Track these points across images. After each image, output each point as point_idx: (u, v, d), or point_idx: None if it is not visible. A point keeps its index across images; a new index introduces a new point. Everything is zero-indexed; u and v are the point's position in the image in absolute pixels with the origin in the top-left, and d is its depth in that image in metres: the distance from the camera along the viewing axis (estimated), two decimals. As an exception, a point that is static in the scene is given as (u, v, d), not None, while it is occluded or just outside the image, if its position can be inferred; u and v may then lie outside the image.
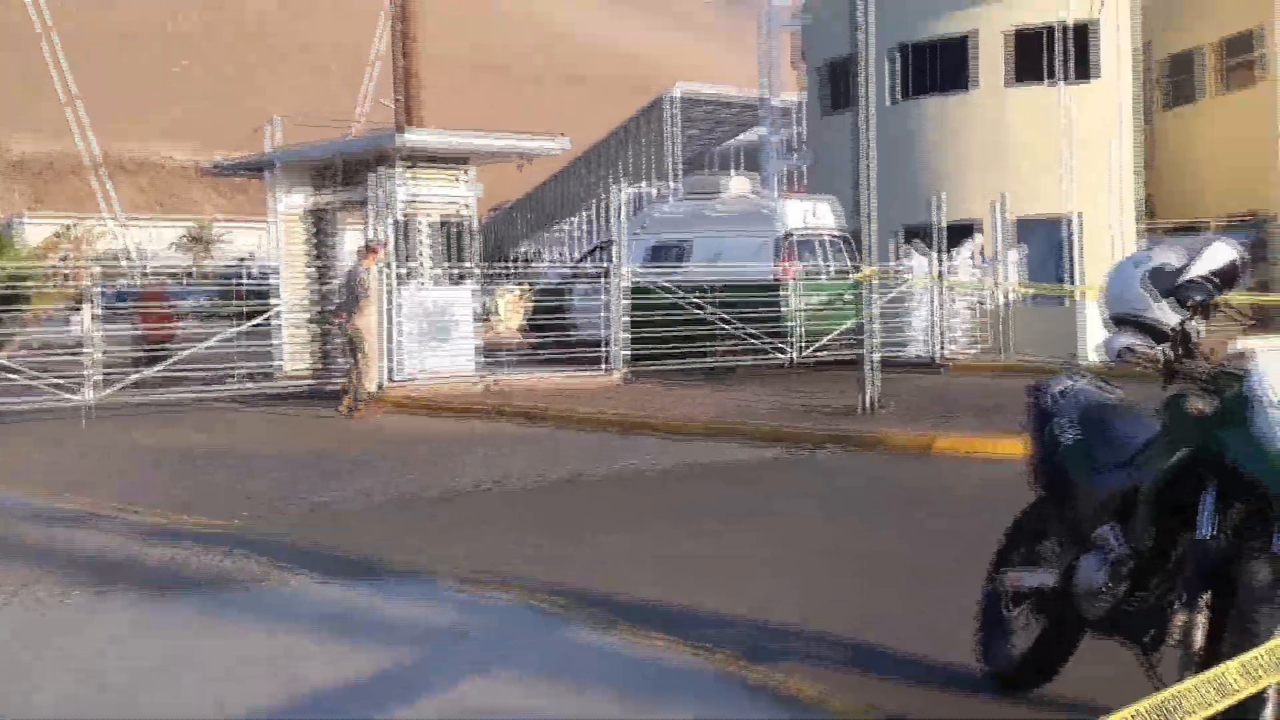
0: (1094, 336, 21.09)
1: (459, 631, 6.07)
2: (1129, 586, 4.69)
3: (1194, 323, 4.62)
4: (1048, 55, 27.63)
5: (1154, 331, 4.60)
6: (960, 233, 25.29)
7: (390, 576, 7.21)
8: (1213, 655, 4.28)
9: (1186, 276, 4.57)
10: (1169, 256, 4.68)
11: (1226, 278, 4.62)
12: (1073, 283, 25.21)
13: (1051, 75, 27.57)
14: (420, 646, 5.80)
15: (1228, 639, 4.22)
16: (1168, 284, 4.60)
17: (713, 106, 47.38)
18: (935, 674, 5.68)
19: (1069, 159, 25.29)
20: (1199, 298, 4.56)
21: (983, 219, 25.83)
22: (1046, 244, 27.09)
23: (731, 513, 10.02)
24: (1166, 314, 4.59)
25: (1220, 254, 4.63)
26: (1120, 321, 4.73)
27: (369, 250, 17.63)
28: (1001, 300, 23.29)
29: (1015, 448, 11.10)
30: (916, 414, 15.21)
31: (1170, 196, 30.77)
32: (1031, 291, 24.19)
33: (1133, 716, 2.41)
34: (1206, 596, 4.32)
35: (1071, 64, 26.76)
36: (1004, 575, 5.46)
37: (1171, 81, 32.41)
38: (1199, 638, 4.33)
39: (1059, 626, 5.22)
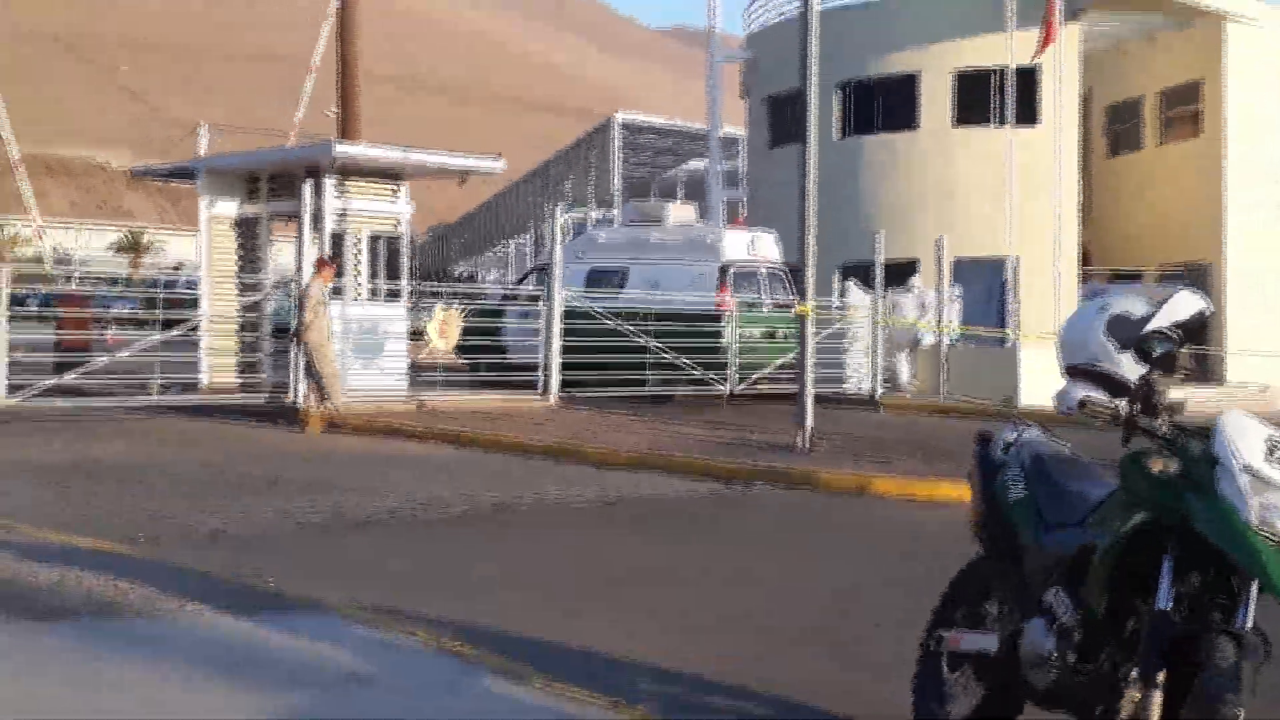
0: (1030, 380, 21.00)
1: (362, 676, 5.65)
2: (1078, 656, 4.38)
3: (1156, 376, 4.34)
4: (992, 99, 27.66)
5: (1113, 384, 4.32)
6: (899, 271, 25.20)
7: (293, 610, 6.75)
8: (1169, 735, 3.99)
9: (1150, 327, 4.29)
10: (1132, 305, 4.40)
11: (1191, 330, 4.34)
12: (1010, 326, 25.18)
13: (995, 118, 27.59)
14: (318, 691, 5.38)
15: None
16: (1130, 334, 4.32)
17: (657, 135, 47.22)
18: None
19: (1010, 202, 25.26)
20: (1162, 350, 4.28)
21: (922, 258, 25.76)
22: (985, 285, 27.07)
23: (659, 552, 9.66)
24: (1128, 366, 4.31)
25: (1185, 304, 4.36)
26: (1077, 372, 4.43)
27: (321, 265, 17.14)
28: (941, 341, 23.16)
29: (953, 492, 10.90)
30: (853, 452, 14.93)
31: (1105, 244, 30.90)
32: (971, 332, 24.13)
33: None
34: (1162, 673, 4.02)
35: (1015, 108, 26.78)
36: (944, 636, 5.12)
37: (1112, 130, 32.60)
38: (1153, 716, 4.02)
39: (1001, 694, 4.89)
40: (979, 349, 24.30)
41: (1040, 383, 20.13)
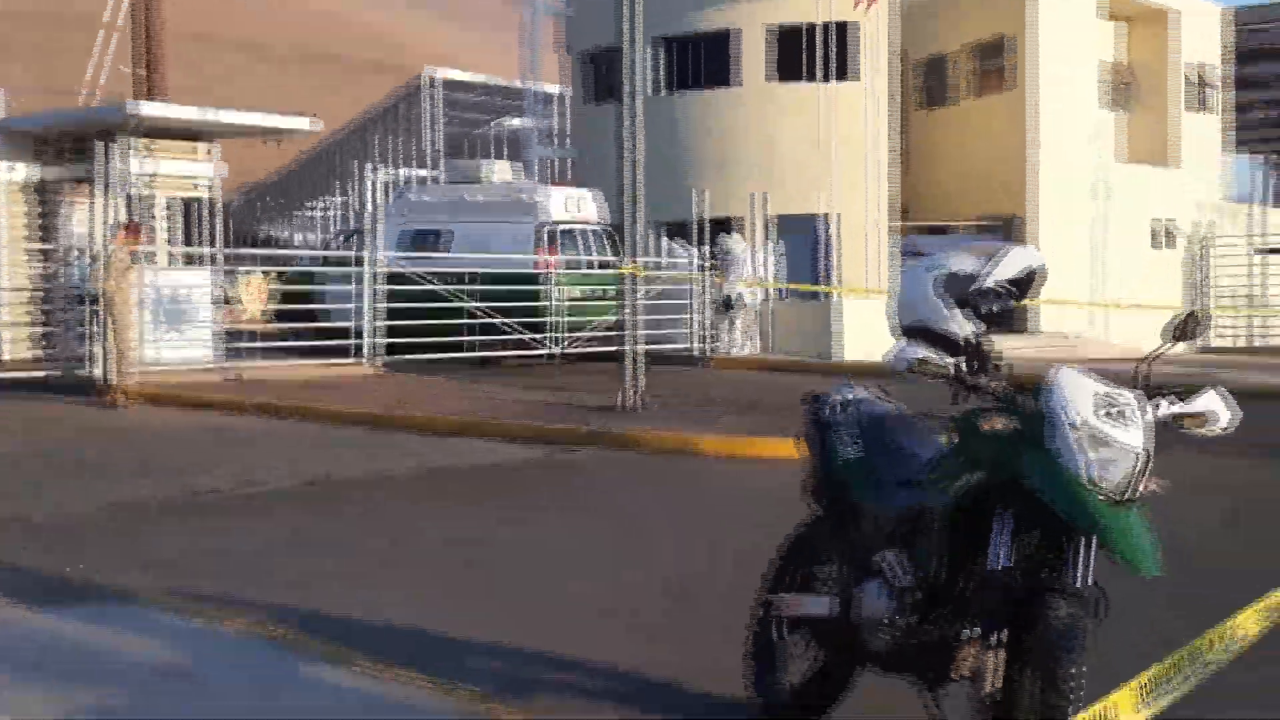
0: (851, 334, 21.33)
1: (178, 669, 5.33)
2: (915, 618, 4.32)
3: (987, 333, 4.30)
4: (808, 54, 27.88)
5: (948, 342, 4.25)
6: (722, 228, 25.28)
7: (103, 601, 6.38)
8: (1008, 695, 3.97)
9: (982, 284, 4.24)
10: (964, 262, 4.33)
11: (1024, 286, 4.30)
12: (829, 280, 25.52)
13: (812, 74, 27.82)
14: (129, 686, 5.06)
15: (1027, 679, 3.90)
16: (962, 291, 4.26)
17: (474, 92, 46.45)
18: (707, 707, 5.24)
19: (828, 158, 25.55)
20: (995, 307, 4.23)
21: (744, 216, 25.89)
22: (806, 241, 27.38)
23: (486, 523, 9.45)
24: (960, 324, 4.24)
25: (1016, 260, 4.31)
26: (913, 331, 4.36)
27: (127, 229, 16.29)
28: (761, 297, 23.34)
29: (778, 449, 10.93)
30: (679, 412, 14.91)
31: (923, 198, 31.53)
32: (791, 287, 24.37)
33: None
34: (1001, 633, 3.99)
35: (832, 63, 27.03)
36: (778, 599, 5.03)
37: (927, 84, 33.23)
38: (992, 676, 4.00)
39: (837, 657, 4.83)
40: (800, 305, 24.56)
41: (861, 336, 20.46)
